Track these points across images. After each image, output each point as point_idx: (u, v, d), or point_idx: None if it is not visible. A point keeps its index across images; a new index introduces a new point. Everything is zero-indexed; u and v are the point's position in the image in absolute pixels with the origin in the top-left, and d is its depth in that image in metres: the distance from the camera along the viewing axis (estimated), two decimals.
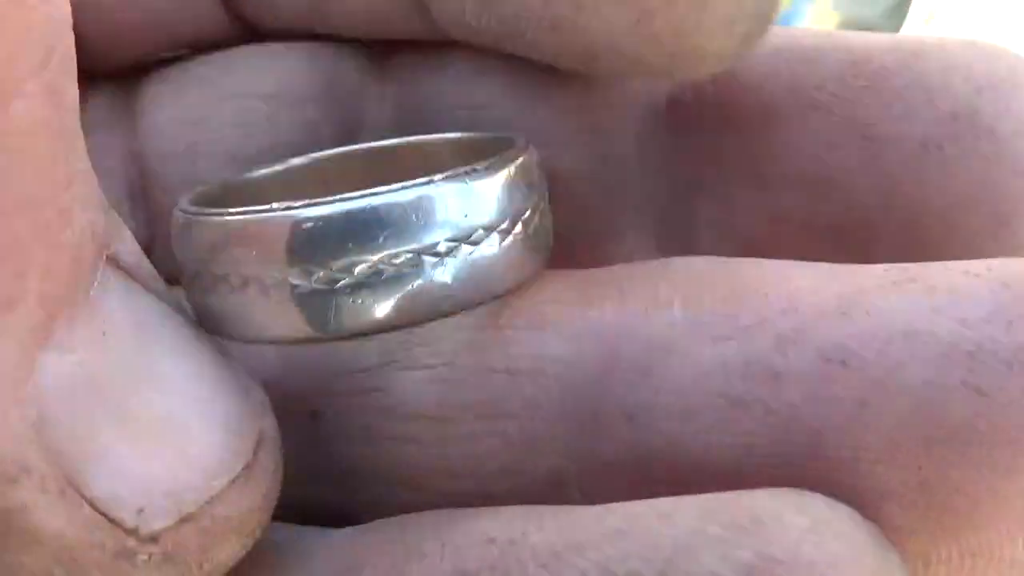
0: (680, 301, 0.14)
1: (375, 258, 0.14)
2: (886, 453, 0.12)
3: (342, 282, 0.14)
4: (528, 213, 0.15)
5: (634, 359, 0.14)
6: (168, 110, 0.18)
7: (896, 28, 0.78)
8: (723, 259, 0.15)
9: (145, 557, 0.12)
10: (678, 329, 0.14)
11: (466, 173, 0.15)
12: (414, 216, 0.14)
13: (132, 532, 0.12)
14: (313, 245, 0.14)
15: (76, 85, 0.12)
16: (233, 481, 0.13)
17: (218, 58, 0.18)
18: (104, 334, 0.12)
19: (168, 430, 0.12)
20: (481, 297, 0.15)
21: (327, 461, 0.16)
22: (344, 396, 0.16)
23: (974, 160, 0.15)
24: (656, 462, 0.13)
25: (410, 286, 0.14)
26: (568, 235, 0.17)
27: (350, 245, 0.14)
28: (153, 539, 0.12)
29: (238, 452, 0.13)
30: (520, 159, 0.15)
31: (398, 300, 0.14)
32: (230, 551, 0.13)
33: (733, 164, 0.16)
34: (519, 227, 0.15)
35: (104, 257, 0.12)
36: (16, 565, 0.12)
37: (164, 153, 0.18)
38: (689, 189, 0.17)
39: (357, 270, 0.14)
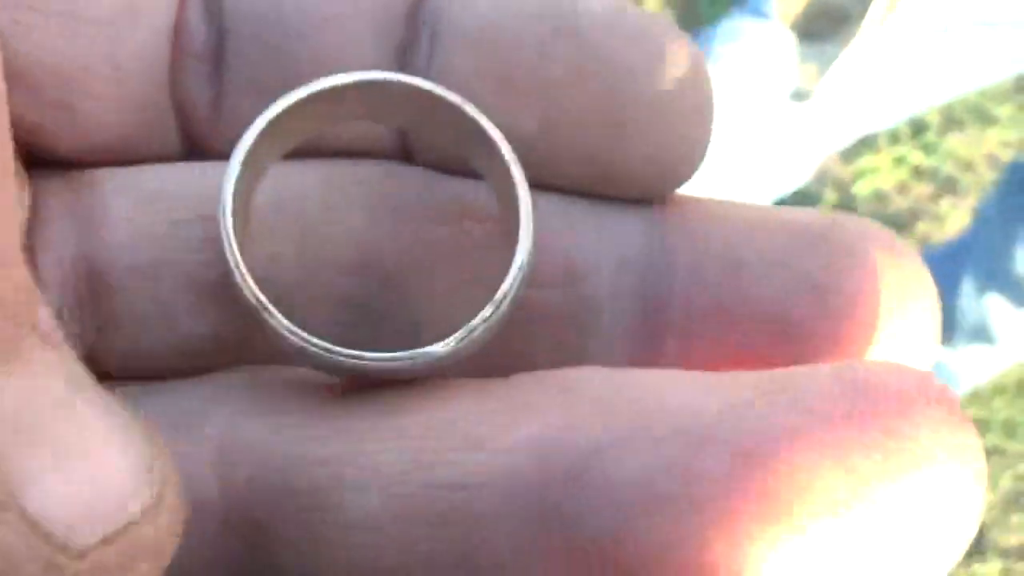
0: (601, 420, 0.15)
1: None
2: None
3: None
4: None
5: (567, 466, 0.15)
6: (126, 226, 0.17)
7: (863, 9, 0.82)
8: (621, 372, 0.16)
9: (73, 572, 0.13)
10: (604, 440, 0.15)
11: None
12: None
13: (63, 548, 0.13)
14: None
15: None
16: (147, 510, 0.14)
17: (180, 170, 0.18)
18: (36, 376, 0.14)
19: (91, 461, 0.14)
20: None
21: (273, 570, 0.17)
22: (293, 513, 0.16)
23: None
24: (596, 559, 0.15)
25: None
26: (526, 355, 0.17)
27: None
28: (81, 555, 0.13)
29: (150, 484, 0.14)
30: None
31: None
32: (146, 570, 0.14)
33: (702, 312, 0.17)
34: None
35: (35, 318, 0.14)
36: None
37: (123, 267, 0.17)
38: (657, 335, 0.17)
39: None
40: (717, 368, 0.16)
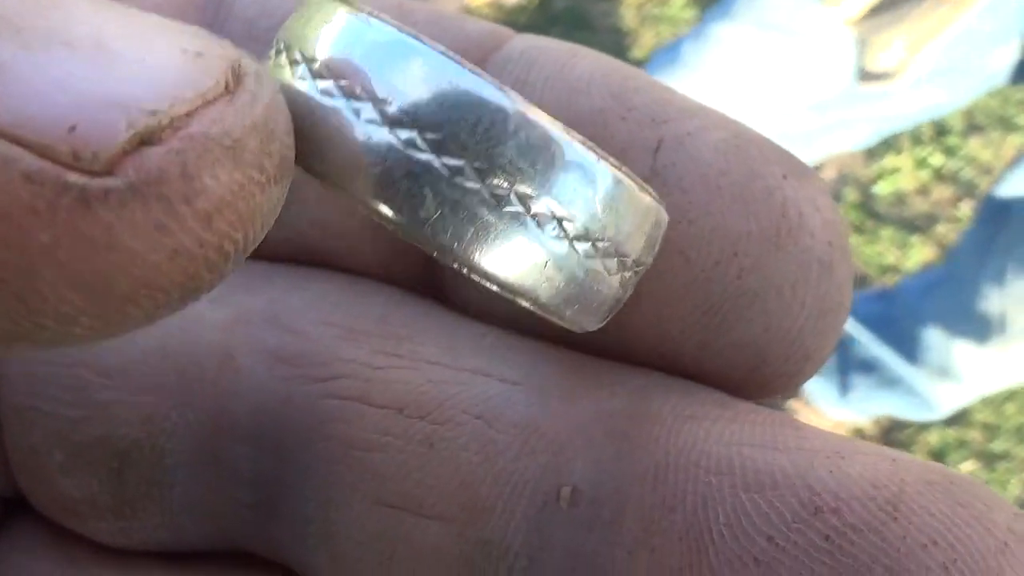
0: None
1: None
2: None
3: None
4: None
5: None
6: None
7: None
8: None
9: (101, 195, 0.09)
10: None
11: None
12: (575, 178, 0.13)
13: (73, 161, 0.09)
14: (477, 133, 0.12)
15: None
16: (209, 100, 0.10)
17: None
18: None
19: (99, 46, 0.10)
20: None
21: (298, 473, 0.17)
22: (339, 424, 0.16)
23: None
24: None
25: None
26: None
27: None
28: (107, 167, 0.09)
29: (206, 71, 0.10)
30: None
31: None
32: (226, 180, 0.10)
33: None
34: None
35: None
36: None
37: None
38: None
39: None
40: None
